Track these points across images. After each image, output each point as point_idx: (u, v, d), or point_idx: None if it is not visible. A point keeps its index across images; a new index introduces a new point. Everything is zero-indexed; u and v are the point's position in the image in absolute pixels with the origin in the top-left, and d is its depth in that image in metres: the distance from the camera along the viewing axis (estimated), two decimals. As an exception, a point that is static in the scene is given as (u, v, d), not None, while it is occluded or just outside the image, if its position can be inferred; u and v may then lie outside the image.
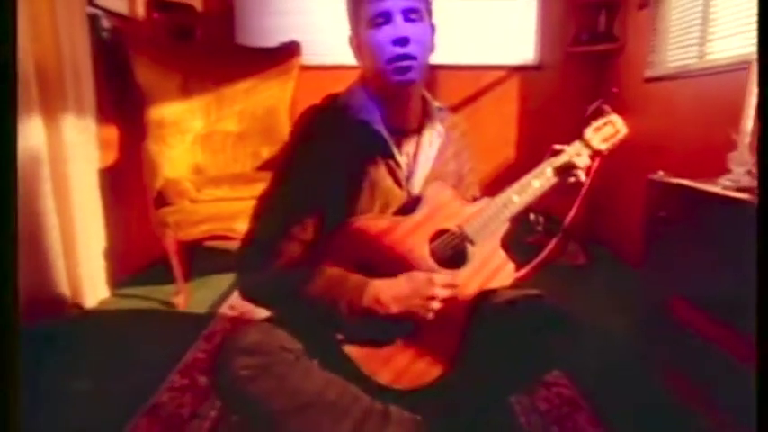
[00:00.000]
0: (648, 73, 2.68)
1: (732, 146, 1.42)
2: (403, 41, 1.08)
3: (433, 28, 1.18)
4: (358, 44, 1.16)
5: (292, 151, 1.19)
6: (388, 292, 1.09)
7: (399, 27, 1.09)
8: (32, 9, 1.89)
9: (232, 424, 1.37)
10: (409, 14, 1.10)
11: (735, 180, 1.37)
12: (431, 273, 1.12)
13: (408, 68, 1.10)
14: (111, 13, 2.50)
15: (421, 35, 1.11)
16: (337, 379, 1.10)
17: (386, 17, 1.09)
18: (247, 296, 1.19)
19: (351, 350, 1.12)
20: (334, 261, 1.11)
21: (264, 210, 1.18)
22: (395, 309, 1.09)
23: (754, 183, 1.34)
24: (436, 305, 1.10)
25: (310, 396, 1.06)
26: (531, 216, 1.30)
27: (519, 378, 1.24)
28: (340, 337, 1.11)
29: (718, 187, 1.33)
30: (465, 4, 3.13)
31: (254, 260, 1.15)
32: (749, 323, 1.11)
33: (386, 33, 1.09)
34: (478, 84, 3.20)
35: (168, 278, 2.34)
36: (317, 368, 1.10)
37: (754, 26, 1.78)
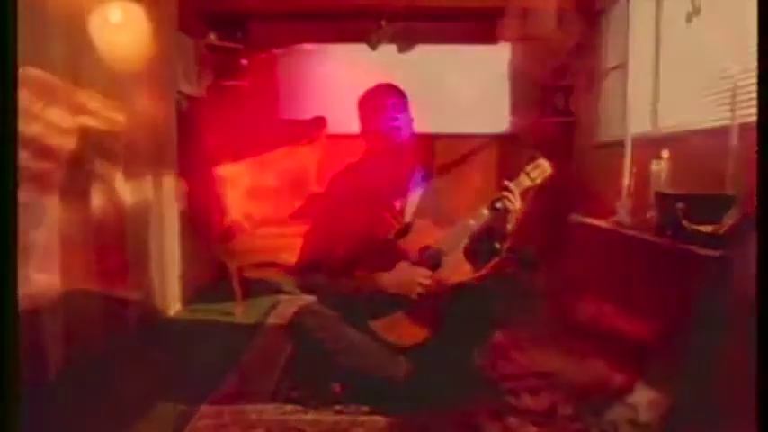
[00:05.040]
0: (595, 141, 3.49)
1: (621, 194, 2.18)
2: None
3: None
4: None
5: (328, 202, 1.94)
6: (389, 281, 1.81)
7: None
8: (151, 100, 2.71)
9: (290, 375, 2.06)
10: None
11: (619, 218, 2.12)
12: (416, 269, 1.81)
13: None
14: (186, 96, 3.36)
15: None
16: (362, 334, 1.82)
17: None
18: (306, 291, 1.94)
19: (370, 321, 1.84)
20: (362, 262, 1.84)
21: (313, 240, 1.92)
22: (393, 290, 1.80)
23: (631, 220, 2.08)
24: (419, 290, 1.81)
25: (349, 341, 1.78)
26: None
27: (476, 332, 1.94)
28: (366, 312, 1.83)
29: (604, 223, 2.07)
30: (456, 88, 3.95)
31: (309, 270, 1.88)
32: (632, 306, 1.78)
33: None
34: (467, 147, 3.93)
35: (220, 297, 3.10)
36: (350, 327, 1.82)
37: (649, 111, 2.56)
